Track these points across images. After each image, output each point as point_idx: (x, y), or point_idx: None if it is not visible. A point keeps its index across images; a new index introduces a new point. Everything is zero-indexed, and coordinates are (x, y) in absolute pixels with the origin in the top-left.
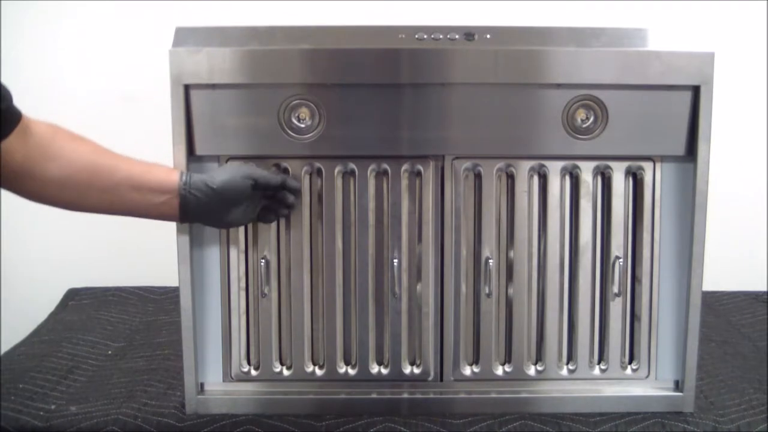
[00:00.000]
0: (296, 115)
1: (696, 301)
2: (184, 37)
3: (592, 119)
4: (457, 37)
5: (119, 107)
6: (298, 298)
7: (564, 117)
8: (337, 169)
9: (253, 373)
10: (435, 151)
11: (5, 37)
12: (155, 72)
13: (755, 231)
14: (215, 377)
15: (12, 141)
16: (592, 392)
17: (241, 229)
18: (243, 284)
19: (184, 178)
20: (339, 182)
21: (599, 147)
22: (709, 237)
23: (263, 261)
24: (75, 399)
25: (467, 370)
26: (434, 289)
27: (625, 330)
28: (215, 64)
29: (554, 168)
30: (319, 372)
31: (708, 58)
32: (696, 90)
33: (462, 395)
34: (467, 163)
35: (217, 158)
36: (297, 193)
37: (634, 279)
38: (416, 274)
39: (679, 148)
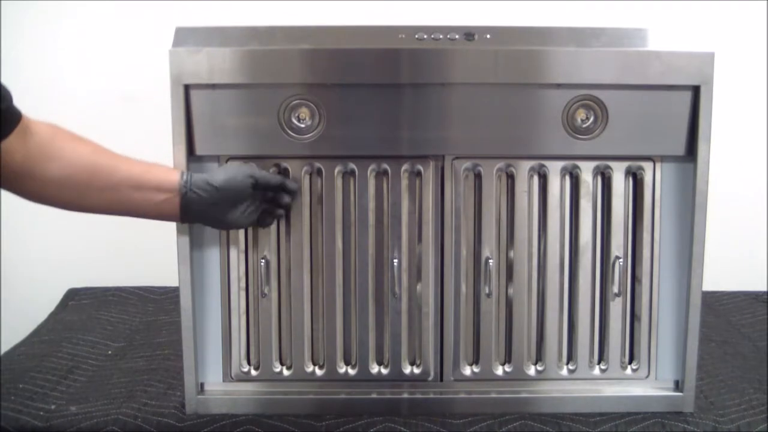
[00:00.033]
0: (296, 115)
1: (696, 301)
2: (184, 37)
3: (592, 119)
4: (457, 37)
5: (119, 107)
6: (298, 298)
7: (564, 117)
8: (337, 169)
9: (253, 373)
10: (435, 151)
11: (5, 37)
12: (155, 72)
13: (755, 231)
14: (215, 377)
15: (12, 141)
16: (592, 392)
17: (241, 229)
18: (243, 284)
19: (185, 177)
20: (339, 182)
21: (599, 147)
22: (709, 237)
23: (263, 261)
24: (75, 399)
25: (467, 370)
26: (434, 289)
27: (625, 330)
28: (215, 64)
29: (554, 168)
30: (319, 372)
31: (708, 58)
32: (696, 90)
33: (462, 395)
34: (467, 163)
35: (217, 158)
36: (294, 194)
37: (634, 279)
38: (416, 274)
39: (679, 148)
